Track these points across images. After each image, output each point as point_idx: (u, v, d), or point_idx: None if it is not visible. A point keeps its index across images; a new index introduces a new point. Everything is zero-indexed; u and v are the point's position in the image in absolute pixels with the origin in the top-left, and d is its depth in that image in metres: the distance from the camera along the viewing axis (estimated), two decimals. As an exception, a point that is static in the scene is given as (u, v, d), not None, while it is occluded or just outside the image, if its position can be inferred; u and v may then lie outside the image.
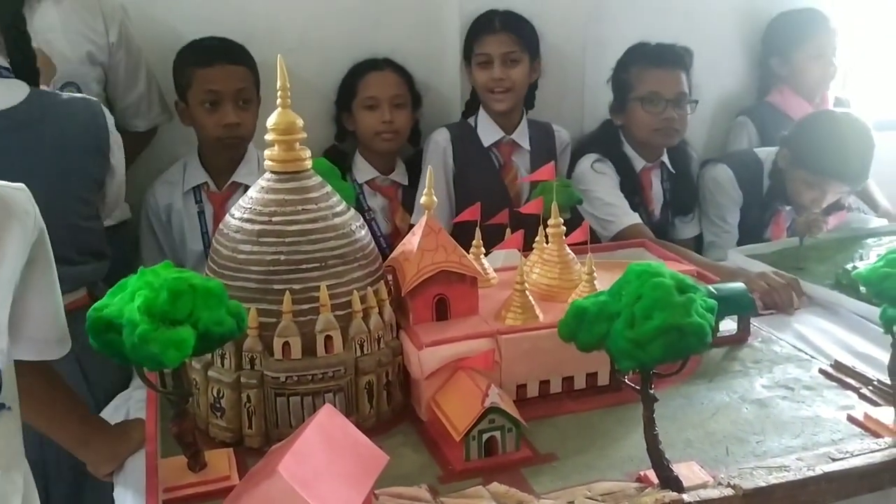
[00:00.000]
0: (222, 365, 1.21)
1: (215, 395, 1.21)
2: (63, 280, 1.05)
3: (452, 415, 1.19)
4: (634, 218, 2.14)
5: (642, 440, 1.11)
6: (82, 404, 1.25)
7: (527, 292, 1.33)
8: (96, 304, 0.96)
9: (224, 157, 2.01)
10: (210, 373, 1.21)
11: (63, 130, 1.46)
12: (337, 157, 2.29)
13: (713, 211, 2.33)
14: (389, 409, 1.28)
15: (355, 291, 1.23)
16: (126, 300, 0.94)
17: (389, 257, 1.39)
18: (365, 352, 1.23)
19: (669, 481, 1.06)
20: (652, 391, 1.08)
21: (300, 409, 1.19)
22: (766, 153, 2.32)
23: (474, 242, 1.51)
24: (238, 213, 1.25)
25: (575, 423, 1.27)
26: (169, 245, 2.05)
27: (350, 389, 1.22)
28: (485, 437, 1.16)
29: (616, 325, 1.02)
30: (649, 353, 1.00)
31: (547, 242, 1.47)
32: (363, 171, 2.29)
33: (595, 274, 1.36)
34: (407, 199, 2.30)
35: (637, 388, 1.08)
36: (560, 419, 1.28)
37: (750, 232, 2.32)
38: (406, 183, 2.31)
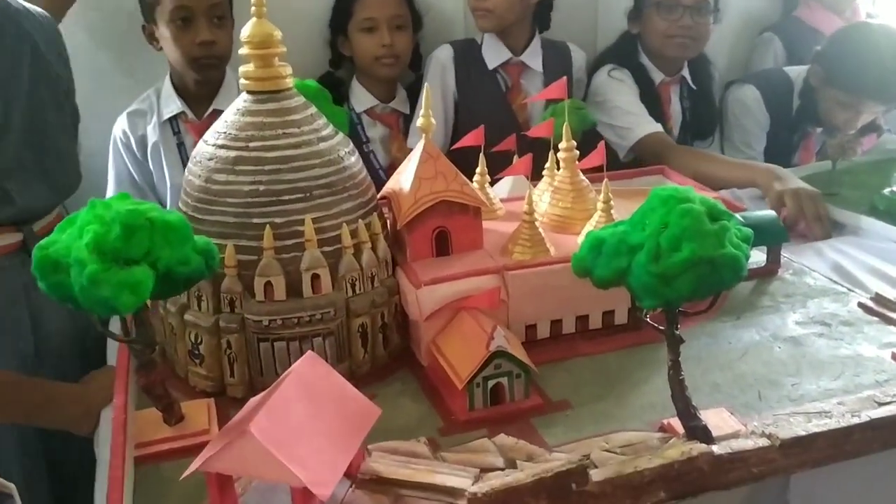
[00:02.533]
0: (199, 308, 1.09)
1: (193, 340, 1.10)
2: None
3: (454, 360, 1.07)
4: (655, 126, 1.99)
5: (665, 385, 1.00)
6: (16, 378, 1.16)
7: (536, 224, 1.20)
8: (42, 242, 0.84)
9: (200, 83, 1.86)
10: (186, 316, 1.10)
11: (37, 37, 1.41)
12: (332, 86, 2.14)
13: (737, 136, 2.18)
14: (386, 353, 1.17)
15: (345, 225, 1.10)
16: (74, 236, 0.82)
17: (384, 187, 1.26)
18: (357, 291, 1.11)
19: (697, 431, 0.95)
20: (677, 332, 0.96)
21: (286, 355, 1.08)
22: (797, 72, 2.15)
23: (478, 169, 1.37)
24: (212, 138, 1.12)
25: (590, 367, 1.16)
26: (147, 181, 1.92)
27: (341, 333, 1.10)
28: (490, 384, 1.05)
29: (638, 257, 0.89)
30: (676, 290, 0.87)
31: (558, 169, 1.33)
32: (361, 99, 2.14)
33: (612, 202, 1.22)
34: (409, 128, 2.16)
35: (660, 328, 0.96)
36: (573, 363, 1.17)
37: (776, 158, 2.16)
38: (407, 111, 2.16)
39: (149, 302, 0.89)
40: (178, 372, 1.15)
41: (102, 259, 0.79)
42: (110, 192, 1.96)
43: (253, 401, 0.90)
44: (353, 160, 1.16)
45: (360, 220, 1.12)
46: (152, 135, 1.88)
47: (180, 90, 1.88)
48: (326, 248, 1.09)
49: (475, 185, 1.36)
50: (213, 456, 0.76)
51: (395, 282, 1.17)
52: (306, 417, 0.81)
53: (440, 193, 1.18)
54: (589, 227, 1.23)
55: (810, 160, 2.20)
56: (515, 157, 1.47)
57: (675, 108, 2.16)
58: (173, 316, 1.12)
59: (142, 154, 1.90)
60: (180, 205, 1.14)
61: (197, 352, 1.10)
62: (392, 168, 2.11)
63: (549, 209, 1.30)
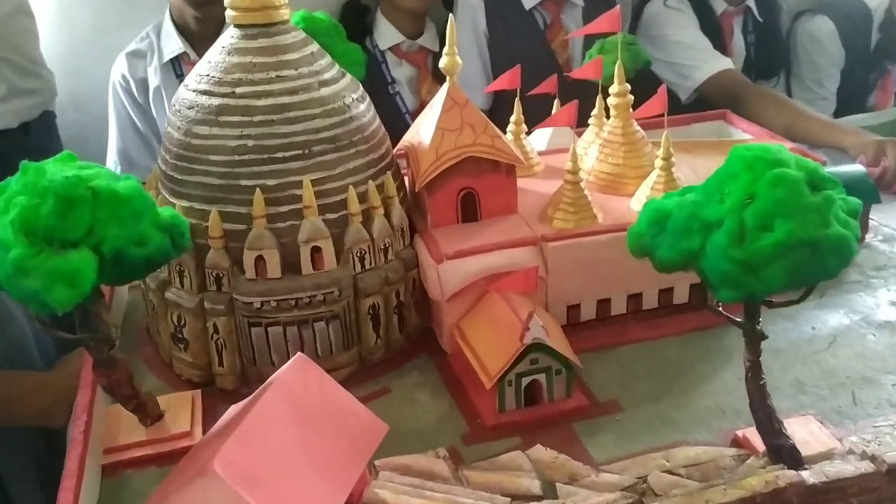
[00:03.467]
0: (181, 284, 0.92)
1: (176, 322, 0.94)
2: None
3: (482, 352, 0.90)
4: (726, 62, 1.76)
5: (737, 381, 0.82)
6: None
7: (581, 184, 1.01)
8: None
9: (201, 20, 1.66)
10: (167, 294, 0.93)
11: None
12: (355, 18, 1.93)
13: (808, 73, 1.94)
14: (402, 336, 0.99)
15: (351, 187, 0.92)
16: (1, 210, 0.65)
17: (402, 140, 1.07)
18: (366, 266, 0.93)
19: (782, 452, 0.76)
20: (759, 327, 0.77)
21: (283, 342, 0.91)
22: (877, 1, 1.89)
23: (513, 118, 1.17)
24: (193, 81, 0.94)
25: (644, 357, 0.97)
26: (151, 129, 1.75)
27: (348, 316, 0.93)
28: (525, 382, 0.87)
29: (715, 238, 0.70)
30: (765, 281, 0.68)
31: (607, 117, 1.12)
32: (386, 34, 1.93)
33: (673, 158, 1.02)
34: (437, 65, 1.95)
35: (735, 320, 0.77)
36: (624, 351, 0.98)
37: (851, 100, 1.93)
38: (437, 49, 1.96)
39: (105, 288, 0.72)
40: (162, 356, 0.99)
41: (31, 241, 0.62)
42: (112, 141, 1.79)
43: (234, 409, 0.74)
44: (363, 108, 0.97)
45: (370, 182, 0.94)
46: (153, 78, 1.70)
47: (181, 28, 1.70)
48: (329, 216, 0.91)
49: (509, 136, 1.17)
50: (169, 501, 0.59)
51: (412, 253, 0.99)
52: (292, 442, 0.64)
53: (466, 148, 0.99)
54: (645, 188, 1.03)
55: (888, 103, 1.95)
56: (556, 101, 1.27)
57: (738, 43, 1.92)
58: (154, 293, 0.95)
59: (143, 99, 1.73)
60: (160, 163, 0.96)
61: (180, 335, 0.94)
62: (420, 112, 1.93)
63: (596, 166, 1.10)
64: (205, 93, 0.91)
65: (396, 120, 1.88)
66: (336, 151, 0.92)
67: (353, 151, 0.93)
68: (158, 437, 0.85)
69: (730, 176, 0.72)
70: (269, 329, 0.90)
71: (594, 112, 1.19)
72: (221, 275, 0.90)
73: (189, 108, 0.92)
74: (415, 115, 1.91)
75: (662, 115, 1.02)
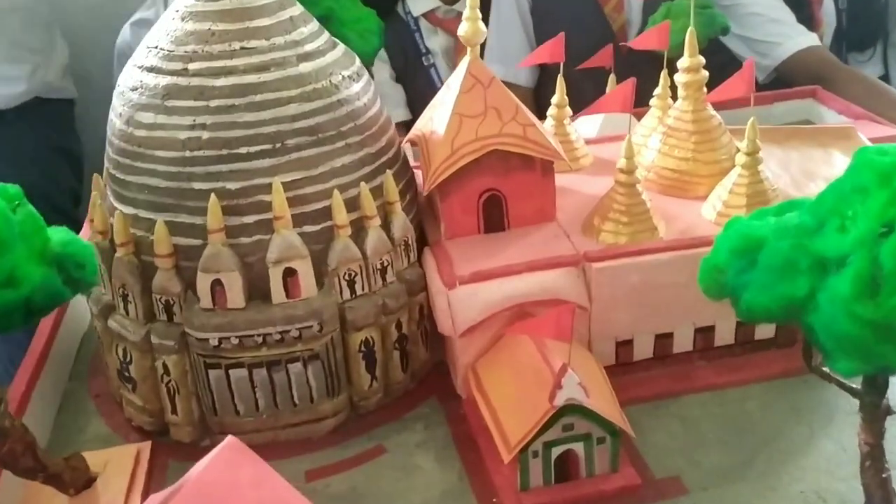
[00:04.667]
0: (126, 312, 0.74)
1: (121, 357, 0.75)
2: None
3: (501, 408, 0.69)
4: (812, 38, 1.50)
5: (843, 455, 0.61)
6: None
7: (638, 186, 0.78)
8: None
9: None
10: (110, 323, 0.75)
11: None
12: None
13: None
14: (407, 375, 0.79)
15: (336, 191, 0.71)
16: None
17: (413, 126, 0.86)
18: (357, 292, 0.73)
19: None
20: (886, 400, 0.55)
21: (249, 387, 0.72)
22: None
23: (555, 99, 0.95)
24: (140, 56, 0.74)
25: (716, 412, 0.75)
26: None
27: (332, 356, 0.73)
28: (555, 452, 0.66)
29: (835, 283, 0.48)
30: (909, 353, 0.46)
31: (675, 98, 0.89)
32: (420, -1, 1.72)
33: (759, 153, 0.79)
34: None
35: (851, 387, 0.56)
36: (690, 402, 0.76)
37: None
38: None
39: None
40: (113, 394, 0.81)
41: None
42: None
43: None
44: (357, 88, 0.76)
45: (362, 184, 0.73)
46: None
47: None
48: (308, 228, 0.71)
49: (549, 121, 0.94)
50: None
51: (420, 273, 0.78)
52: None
53: (490, 139, 0.77)
54: (721, 190, 0.80)
55: None
56: (612, 77, 1.04)
57: (828, 11, 1.65)
58: (97, 318, 0.77)
59: None
60: (105, 160, 0.77)
61: (127, 374, 0.75)
62: None
63: (658, 160, 0.87)
64: (151, 69, 0.71)
65: (430, 96, 1.67)
66: (317, 145, 0.71)
67: (342, 145, 0.73)
68: (83, 511, 0.67)
69: (856, 191, 0.50)
70: (230, 372, 0.71)
71: (657, 92, 0.96)
72: (171, 301, 0.71)
73: (132, 90, 0.72)
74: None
75: (748, 98, 0.78)
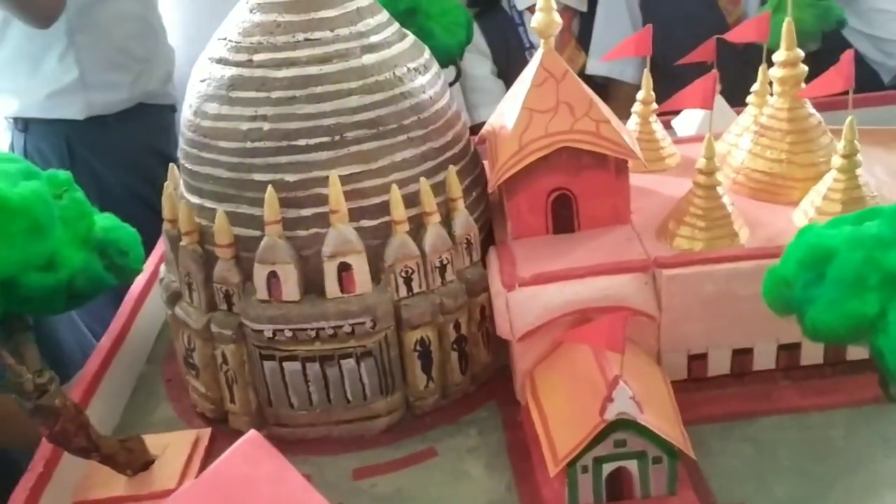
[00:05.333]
0: (190, 300, 0.75)
1: (186, 344, 0.77)
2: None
3: (554, 417, 0.65)
4: None
5: None
6: None
7: (719, 189, 0.73)
8: None
9: None
10: (177, 310, 0.77)
11: None
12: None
13: None
14: (467, 378, 0.77)
15: (395, 186, 0.70)
16: None
17: (486, 123, 0.84)
18: (414, 290, 0.71)
19: None
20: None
21: (302, 381, 0.72)
22: None
23: (640, 95, 0.90)
24: (210, 47, 0.75)
25: (795, 437, 0.69)
26: None
27: (385, 354, 0.71)
28: (607, 469, 0.62)
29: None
30: None
31: (771, 95, 0.83)
32: (526, -10, 1.69)
33: (859, 155, 0.72)
34: (584, 30, 1.68)
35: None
36: (766, 425, 0.70)
37: None
38: (584, 9, 1.68)
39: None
40: (183, 380, 0.83)
41: None
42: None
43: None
44: (424, 81, 0.74)
45: (422, 179, 0.71)
46: None
47: None
48: (366, 223, 0.70)
49: (634, 119, 0.90)
50: None
51: (482, 272, 0.76)
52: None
53: (560, 136, 0.74)
54: (815, 196, 0.74)
55: None
56: (714, 73, 0.98)
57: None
58: (167, 305, 0.79)
59: None
60: (178, 150, 0.79)
61: (191, 360, 0.77)
62: None
63: (748, 161, 0.81)
64: (219, 61, 0.72)
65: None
66: (378, 139, 0.70)
67: (404, 139, 0.71)
68: (137, 493, 0.68)
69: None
70: (284, 364, 0.71)
71: (754, 88, 0.90)
72: (231, 292, 0.72)
73: (201, 81, 0.73)
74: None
75: (846, 93, 0.71)
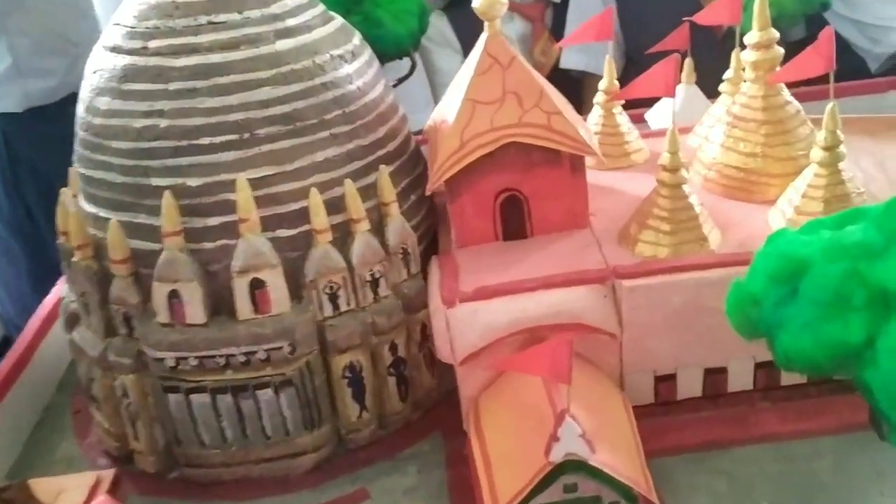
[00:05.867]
0: (88, 322, 0.66)
1: (86, 373, 0.67)
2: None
3: (496, 457, 0.57)
4: None
5: None
6: None
7: (685, 187, 0.64)
8: None
9: None
10: (74, 334, 0.67)
11: None
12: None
13: None
14: (408, 405, 0.68)
15: (314, 190, 0.61)
16: None
17: (429, 119, 0.75)
18: (341, 308, 0.63)
19: None
20: None
21: (213, 416, 0.63)
22: None
23: (602, 85, 0.81)
24: (105, 34, 0.66)
25: (775, 471, 0.60)
26: None
27: (308, 383, 0.62)
28: (556, 516, 0.53)
29: (900, 332, 0.34)
30: None
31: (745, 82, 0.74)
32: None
33: (842, 147, 0.63)
34: (557, 21, 1.59)
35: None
36: (743, 456, 0.62)
37: None
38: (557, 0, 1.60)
39: None
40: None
41: None
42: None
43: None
44: (350, 70, 0.65)
45: (347, 181, 0.62)
46: None
47: None
48: (283, 233, 0.61)
49: (597, 111, 0.81)
50: None
51: (421, 286, 0.67)
52: None
53: (508, 130, 0.65)
54: (793, 193, 0.65)
55: None
56: (688, 62, 0.91)
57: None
58: (65, 328, 0.70)
59: None
60: (73, 154, 0.69)
61: (92, 392, 0.68)
62: None
63: (721, 156, 0.73)
64: (112, 49, 0.63)
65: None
66: (294, 136, 0.61)
67: (326, 136, 0.62)
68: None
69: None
70: (190, 397, 0.62)
71: (727, 75, 0.81)
72: (130, 314, 0.63)
73: (94, 73, 0.64)
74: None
75: (825, 77, 0.62)
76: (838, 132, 0.62)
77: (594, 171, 0.78)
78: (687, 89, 0.94)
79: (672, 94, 0.63)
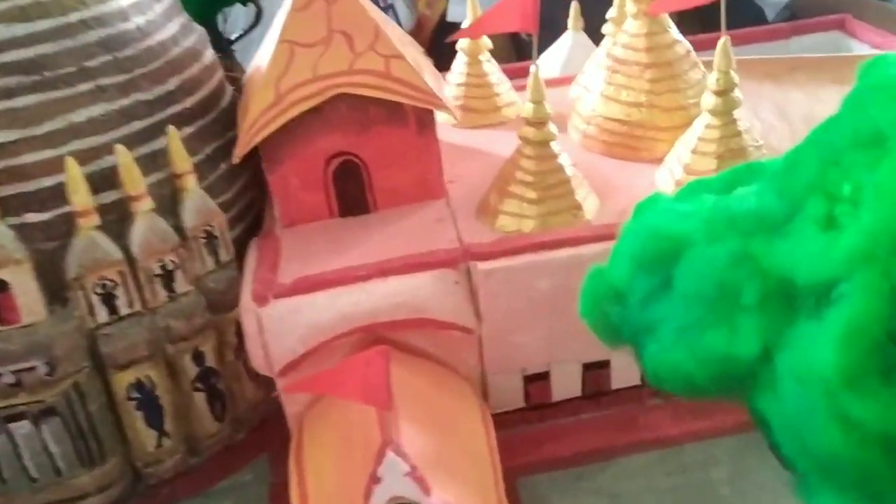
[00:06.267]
0: None
1: None
2: None
3: (315, 494, 0.44)
4: None
5: None
6: None
7: (553, 145, 0.53)
8: None
9: None
10: None
11: None
12: None
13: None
14: (227, 424, 0.55)
15: (70, 160, 0.46)
16: None
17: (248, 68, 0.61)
18: (120, 312, 0.49)
19: None
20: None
21: (-44, 456, 0.48)
22: None
23: (466, 26, 0.69)
24: None
25: (665, 486, 0.50)
26: None
27: (79, 409, 0.48)
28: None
29: (809, 338, 0.22)
30: None
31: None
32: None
33: (738, 91, 0.52)
34: (442, -27, 1.46)
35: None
36: (627, 468, 0.51)
37: None
38: (442, -53, 1.46)
39: None
40: None
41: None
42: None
43: None
44: (124, 4, 0.51)
45: (118, 147, 0.48)
46: None
47: None
48: (32, 217, 0.47)
49: (461, 57, 0.69)
50: None
51: (234, 276, 0.54)
52: None
53: (336, 79, 0.52)
54: (682, 149, 0.54)
55: None
56: (574, 4, 0.79)
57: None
58: None
59: None
60: None
61: None
62: (418, 31, 1.47)
63: (601, 107, 0.61)
64: None
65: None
66: (42, 90, 0.47)
67: (89, 89, 0.48)
68: None
69: (859, 146, 0.24)
70: (-80, 434, 0.48)
71: (611, 14, 0.70)
72: None
73: None
74: (413, 34, 1.45)
75: (715, 6, 0.51)
76: (732, 73, 0.51)
77: (457, 128, 0.66)
78: (574, 36, 0.83)
79: (531, 29, 0.50)
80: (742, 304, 0.25)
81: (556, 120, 0.65)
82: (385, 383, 0.37)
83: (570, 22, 0.82)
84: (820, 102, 0.60)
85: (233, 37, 0.89)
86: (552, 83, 0.75)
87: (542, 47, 0.86)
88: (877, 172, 0.23)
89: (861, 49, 0.93)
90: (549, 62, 0.90)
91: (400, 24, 1.49)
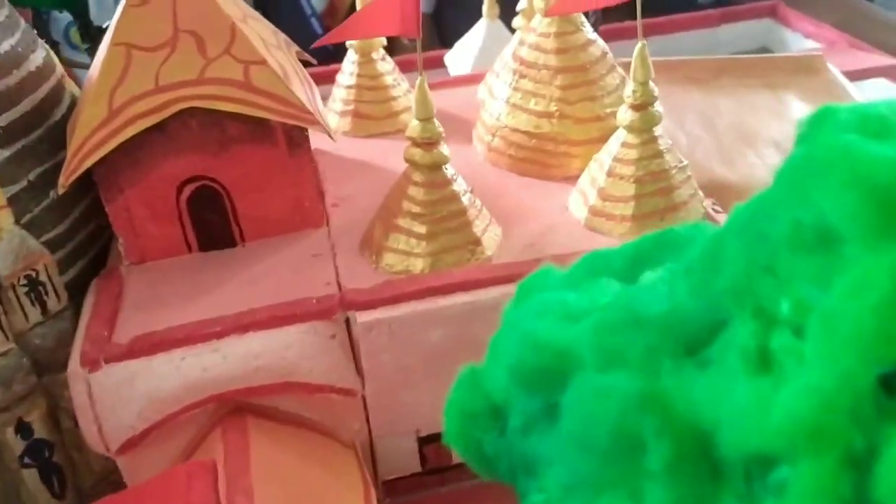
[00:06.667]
0: None
1: None
2: None
3: None
4: None
5: None
6: None
7: (446, 168, 0.45)
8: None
9: None
10: None
11: None
12: None
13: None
14: (71, 502, 0.46)
15: None
16: None
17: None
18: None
19: None
20: None
21: None
22: None
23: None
24: None
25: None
26: None
27: None
28: None
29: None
30: None
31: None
32: None
33: (658, 105, 0.45)
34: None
35: None
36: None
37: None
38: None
39: None
40: None
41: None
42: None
43: None
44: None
45: None
46: None
47: None
48: None
49: (351, 56, 0.60)
50: None
51: (67, 329, 0.44)
52: None
53: (183, 91, 0.43)
54: (596, 168, 0.47)
55: None
56: None
57: None
58: None
59: None
60: None
61: None
62: (331, 15, 1.39)
63: (506, 116, 0.53)
64: None
65: (300, 27, 1.32)
66: None
67: None
68: None
69: (795, 247, 0.16)
70: None
71: (520, 6, 0.62)
72: None
73: None
74: (323, 17, 1.36)
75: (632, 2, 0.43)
76: (651, 84, 0.44)
77: (347, 138, 0.58)
78: (489, 25, 0.75)
79: (413, 34, 0.42)
80: (647, 467, 0.17)
81: (463, 127, 0.57)
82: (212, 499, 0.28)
83: (485, 9, 0.74)
84: (751, 111, 0.53)
85: (106, 25, 0.79)
86: (460, 81, 0.68)
87: (464, 31, 0.78)
88: (829, 294, 0.15)
89: (794, 40, 0.88)
90: (462, 54, 0.82)
91: (313, 9, 1.39)
